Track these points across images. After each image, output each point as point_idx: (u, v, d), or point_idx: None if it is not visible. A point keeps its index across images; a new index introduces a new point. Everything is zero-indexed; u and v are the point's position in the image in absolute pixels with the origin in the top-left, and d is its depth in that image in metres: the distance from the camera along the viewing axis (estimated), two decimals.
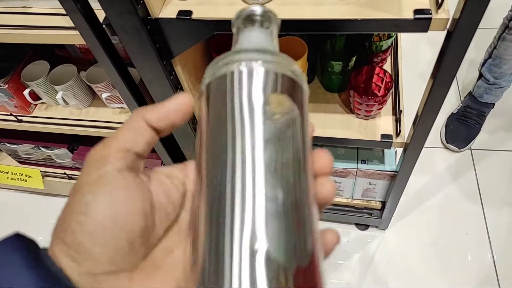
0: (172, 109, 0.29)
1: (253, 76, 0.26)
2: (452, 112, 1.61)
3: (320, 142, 1.08)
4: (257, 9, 0.32)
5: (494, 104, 1.55)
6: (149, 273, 0.26)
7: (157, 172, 0.30)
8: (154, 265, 0.27)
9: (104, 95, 1.03)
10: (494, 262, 1.30)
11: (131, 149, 0.27)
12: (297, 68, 0.28)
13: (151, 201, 0.27)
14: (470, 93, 1.57)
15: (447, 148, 1.55)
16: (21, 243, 0.24)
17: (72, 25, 0.77)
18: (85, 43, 0.81)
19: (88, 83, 1.04)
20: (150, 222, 0.27)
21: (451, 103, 1.66)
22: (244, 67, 0.26)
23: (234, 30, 0.33)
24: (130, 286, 0.25)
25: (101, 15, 0.74)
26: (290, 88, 0.27)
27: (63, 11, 0.73)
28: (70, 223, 0.25)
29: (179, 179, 0.30)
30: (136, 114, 0.29)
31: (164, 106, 0.29)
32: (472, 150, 1.54)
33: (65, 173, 1.47)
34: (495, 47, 1.37)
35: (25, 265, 0.22)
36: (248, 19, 0.32)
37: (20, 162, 1.53)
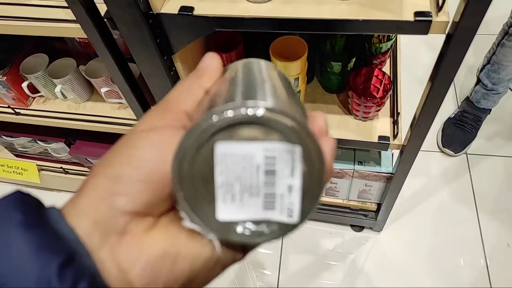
0: (216, 67, 0.30)
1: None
2: (449, 117, 1.62)
3: None
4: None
5: (490, 109, 1.55)
6: (174, 222, 0.26)
7: None
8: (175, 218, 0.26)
9: (103, 90, 1.03)
10: (487, 267, 1.31)
11: (189, 114, 0.27)
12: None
13: None
14: (467, 98, 1.58)
15: (443, 152, 1.56)
16: (21, 201, 0.23)
17: (74, 18, 0.77)
18: (85, 37, 0.81)
19: (87, 77, 1.03)
20: None
21: (448, 107, 1.67)
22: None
23: None
24: (149, 233, 0.24)
25: (102, 8, 0.74)
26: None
27: (65, 4, 0.73)
28: (118, 156, 0.25)
29: None
30: (194, 80, 0.29)
31: (210, 68, 0.30)
32: (468, 155, 1.55)
33: (61, 168, 1.47)
34: (494, 53, 1.38)
35: (24, 224, 0.21)
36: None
37: (17, 155, 1.52)
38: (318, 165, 0.23)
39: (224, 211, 0.25)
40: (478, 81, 1.49)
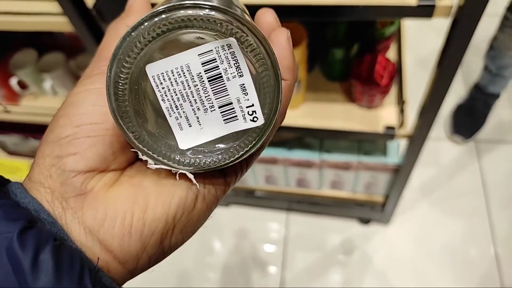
0: (141, 2, 0.28)
1: None
2: (458, 103, 1.57)
3: (320, 135, 1.04)
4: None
5: (499, 94, 1.51)
6: (139, 171, 0.24)
7: None
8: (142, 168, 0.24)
9: None
10: (497, 258, 1.27)
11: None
12: None
13: None
14: (475, 84, 1.54)
15: (451, 139, 1.52)
16: None
17: (60, 11, 0.74)
18: (73, 30, 0.77)
19: (78, 72, 1.00)
20: None
21: (457, 94, 1.62)
22: None
23: None
24: (113, 189, 0.23)
25: (91, 0, 0.71)
26: None
27: None
28: (58, 118, 0.23)
29: None
30: (119, 22, 0.27)
31: (135, 4, 0.27)
32: (477, 143, 1.50)
33: None
34: (495, 38, 1.33)
35: None
36: None
37: (9, 154, 1.48)
38: (266, 53, 0.21)
39: (185, 139, 0.23)
40: (485, 66, 1.44)
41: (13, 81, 1.05)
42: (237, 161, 0.23)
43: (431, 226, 1.36)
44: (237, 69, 0.21)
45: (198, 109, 0.22)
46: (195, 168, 0.23)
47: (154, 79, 0.21)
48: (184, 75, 0.21)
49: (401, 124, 0.91)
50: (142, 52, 0.20)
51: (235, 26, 0.20)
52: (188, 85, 0.21)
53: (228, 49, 0.20)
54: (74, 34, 0.81)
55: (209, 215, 0.25)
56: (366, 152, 1.08)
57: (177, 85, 0.21)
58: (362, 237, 1.37)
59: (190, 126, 0.22)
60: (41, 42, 1.12)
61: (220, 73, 0.21)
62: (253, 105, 0.22)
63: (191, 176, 0.23)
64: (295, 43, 0.82)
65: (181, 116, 0.22)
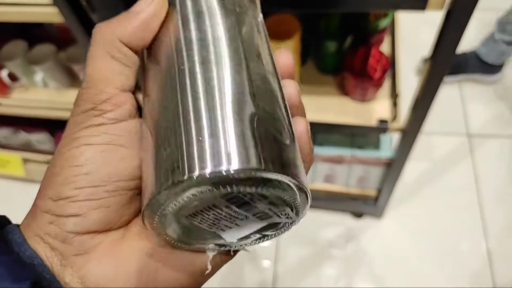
0: (150, 17, 0.22)
1: None
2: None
3: (313, 128, 1.04)
4: None
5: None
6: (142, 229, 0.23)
7: None
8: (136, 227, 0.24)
9: None
10: (489, 252, 1.28)
11: (126, 88, 0.22)
12: None
13: None
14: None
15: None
16: None
17: (50, 2, 0.72)
18: (63, 21, 0.76)
19: (69, 64, 0.98)
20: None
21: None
22: None
23: None
24: (121, 246, 0.22)
25: None
26: None
27: None
28: (58, 174, 0.21)
29: None
30: (105, 34, 0.22)
31: (139, 15, 0.22)
32: (469, 137, 1.51)
33: (46, 159, 1.42)
34: None
35: None
36: None
37: (0, 147, 1.47)
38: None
39: (228, 237, 0.23)
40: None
41: (3, 73, 1.03)
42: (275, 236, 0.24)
43: (423, 220, 1.36)
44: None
45: (235, 221, 0.22)
46: (233, 249, 0.24)
47: (188, 218, 0.21)
48: (215, 210, 0.21)
49: (394, 117, 0.91)
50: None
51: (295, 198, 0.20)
52: (220, 215, 0.21)
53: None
54: (64, 26, 0.80)
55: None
56: (359, 145, 1.07)
57: (210, 216, 0.21)
58: (355, 231, 1.37)
59: (229, 229, 0.23)
60: (31, 33, 1.11)
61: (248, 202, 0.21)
62: (285, 210, 0.22)
63: (213, 254, 0.24)
64: (288, 35, 0.81)
65: (220, 227, 0.22)
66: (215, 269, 0.24)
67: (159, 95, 0.21)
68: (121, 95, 0.22)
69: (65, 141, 0.22)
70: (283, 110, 0.22)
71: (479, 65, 1.56)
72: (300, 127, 0.23)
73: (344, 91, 0.96)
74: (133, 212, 0.23)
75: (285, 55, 0.25)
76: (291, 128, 0.22)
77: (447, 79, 1.55)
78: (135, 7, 0.22)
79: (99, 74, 0.22)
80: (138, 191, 0.22)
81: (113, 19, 0.22)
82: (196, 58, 0.21)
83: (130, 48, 0.22)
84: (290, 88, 0.24)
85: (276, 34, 0.81)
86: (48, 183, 0.21)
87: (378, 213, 1.34)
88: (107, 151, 0.21)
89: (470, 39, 1.60)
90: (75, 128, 0.21)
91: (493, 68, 1.56)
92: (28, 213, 0.22)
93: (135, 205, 0.23)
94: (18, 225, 0.22)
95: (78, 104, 0.22)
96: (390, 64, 0.94)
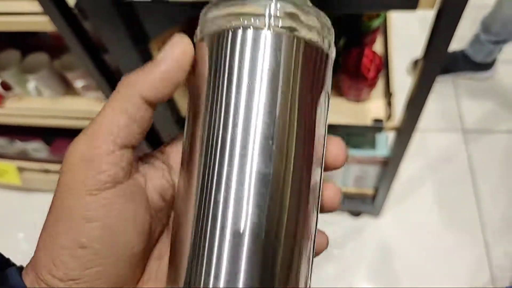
0: (172, 68, 0.21)
1: (259, 44, 0.20)
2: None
3: None
4: None
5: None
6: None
7: (151, 164, 0.23)
8: (149, 278, 0.23)
9: (79, 84, 0.97)
10: (485, 244, 1.28)
11: (128, 144, 0.21)
12: (326, 21, 0.23)
13: (150, 212, 0.22)
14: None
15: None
16: None
17: (41, 10, 0.72)
18: (55, 30, 0.76)
19: (63, 72, 0.98)
20: (149, 236, 0.22)
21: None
22: (249, 29, 0.20)
23: None
24: None
25: None
26: (311, 59, 0.21)
27: None
28: (55, 236, 0.20)
29: (169, 167, 0.24)
30: (127, 87, 0.21)
31: (159, 67, 0.21)
32: (464, 133, 1.51)
33: (43, 167, 1.42)
34: None
35: None
36: None
37: None
38: None
39: None
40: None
41: None
42: None
43: (421, 216, 1.36)
44: None
45: None
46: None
47: None
48: None
49: (389, 116, 0.91)
50: None
51: None
52: None
53: None
54: (58, 34, 0.80)
55: None
56: (355, 145, 1.08)
57: None
58: (354, 230, 1.37)
59: None
60: (24, 42, 1.10)
61: None
62: None
63: None
64: None
65: None
66: None
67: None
68: (117, 152, 0.20)
69: (61, 210, 0.20)
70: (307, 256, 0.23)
71: (469, 64, 1.57)
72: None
73: (338, 91, 0.96)
74: (140, 272, 0.23)
75: (338, 146, 0.24)
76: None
77: (439, 78, 1.57)
78: (160, 54, 0.21)
79: (104, 127, 0.20)
80: (142, 255, 0.22)
81: (140, 69, 0.21)
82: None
83: (150, 102, 0.21)
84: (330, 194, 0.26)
85: None
86: (44, 245, 0.20)
87: (376, 212, 1.34)
88: (107, 227, 0.20)
89: (462, 36, 1.61)
90: (70, 196, 0.20)
91: (484, 66, 1.56)
92: (29, 266, 0.21)
93: (140, 267, 0.22)
94: (19, 273, 0.21)
95: (74, 155, 0.20)
96: (384, 64, 0.95)
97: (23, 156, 1.41)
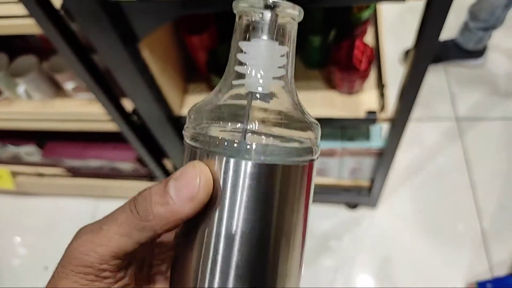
0: (188, 210, 0.21)
1: (240, 172, 0.23)
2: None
3: None
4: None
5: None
6: None
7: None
8: None
9: (69, 86, 0.96)
10: (482, 231, 1.29)
11: (127, 255, 0.22)
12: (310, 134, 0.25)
13: None
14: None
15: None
16: None
17: (26, 13, 0.71)
18: (42, 32, 0.75)
19: (52, 74, 0.97)
20: None
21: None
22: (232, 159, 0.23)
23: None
24: None
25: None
26: (293, 178, 0.24)
27: None
28: None
29: None
30: (139, 211, 0.21)
31: (169, 196, 0.21)
32: (458, 121, 1.52)
33: (36, 171, 1.41)
34: None
35: None
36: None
37: None
38: None
39: None
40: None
41: None
42: None
43: (418, 206, 1.37)
44: None
45: None
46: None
47: None
48: None
49: (382, 108, 0.91)
50: None
51: None
52: None
53: None
54: (45, 36, 0.78)
55: None
56: (349, 137, 1.07)
57: None
58: (351, 221, 1.37)
59: None
60: (12, 45, 1.09)
61: None
62: None
63: None
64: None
65: None
66: None
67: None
68: (114, 263, 0.22)
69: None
70: None
71: (460, 52, 1.57)
72: None
73: (331, 84, 0.96)
74: None
75: None
76: None
77: (430, 67, 1.57)
78: (176, 180, 0.22)
79: (106, 241, 0.21)
80: None
81: (152, 188, 0.22)
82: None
83: (155, 231, 0.21)
84: None
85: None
86: None
87: (372, 203, 1.34)
88: None
89: (450, 26, 1.61)
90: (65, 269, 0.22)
91: (474, 54, 1.57)
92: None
93: None
94: None
95: (70, 259, 0.22)
96: (375, 55, 0.94)
97: (16, 160, 1.40)
